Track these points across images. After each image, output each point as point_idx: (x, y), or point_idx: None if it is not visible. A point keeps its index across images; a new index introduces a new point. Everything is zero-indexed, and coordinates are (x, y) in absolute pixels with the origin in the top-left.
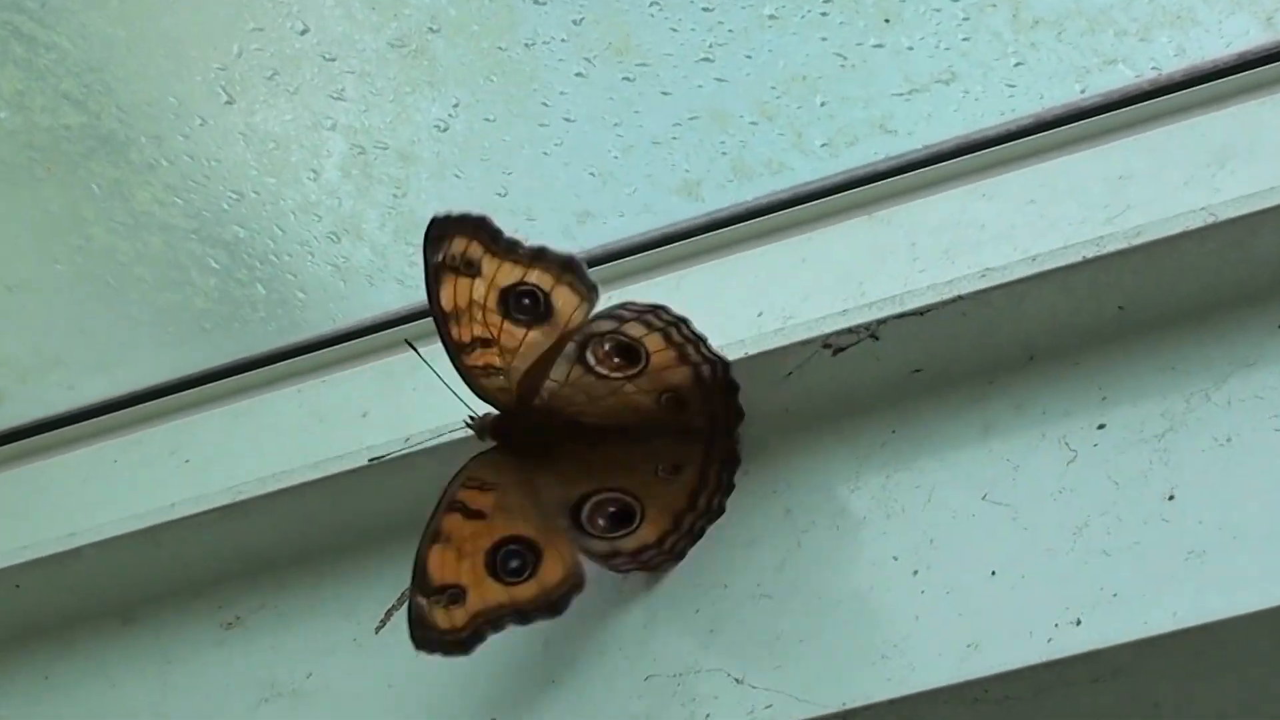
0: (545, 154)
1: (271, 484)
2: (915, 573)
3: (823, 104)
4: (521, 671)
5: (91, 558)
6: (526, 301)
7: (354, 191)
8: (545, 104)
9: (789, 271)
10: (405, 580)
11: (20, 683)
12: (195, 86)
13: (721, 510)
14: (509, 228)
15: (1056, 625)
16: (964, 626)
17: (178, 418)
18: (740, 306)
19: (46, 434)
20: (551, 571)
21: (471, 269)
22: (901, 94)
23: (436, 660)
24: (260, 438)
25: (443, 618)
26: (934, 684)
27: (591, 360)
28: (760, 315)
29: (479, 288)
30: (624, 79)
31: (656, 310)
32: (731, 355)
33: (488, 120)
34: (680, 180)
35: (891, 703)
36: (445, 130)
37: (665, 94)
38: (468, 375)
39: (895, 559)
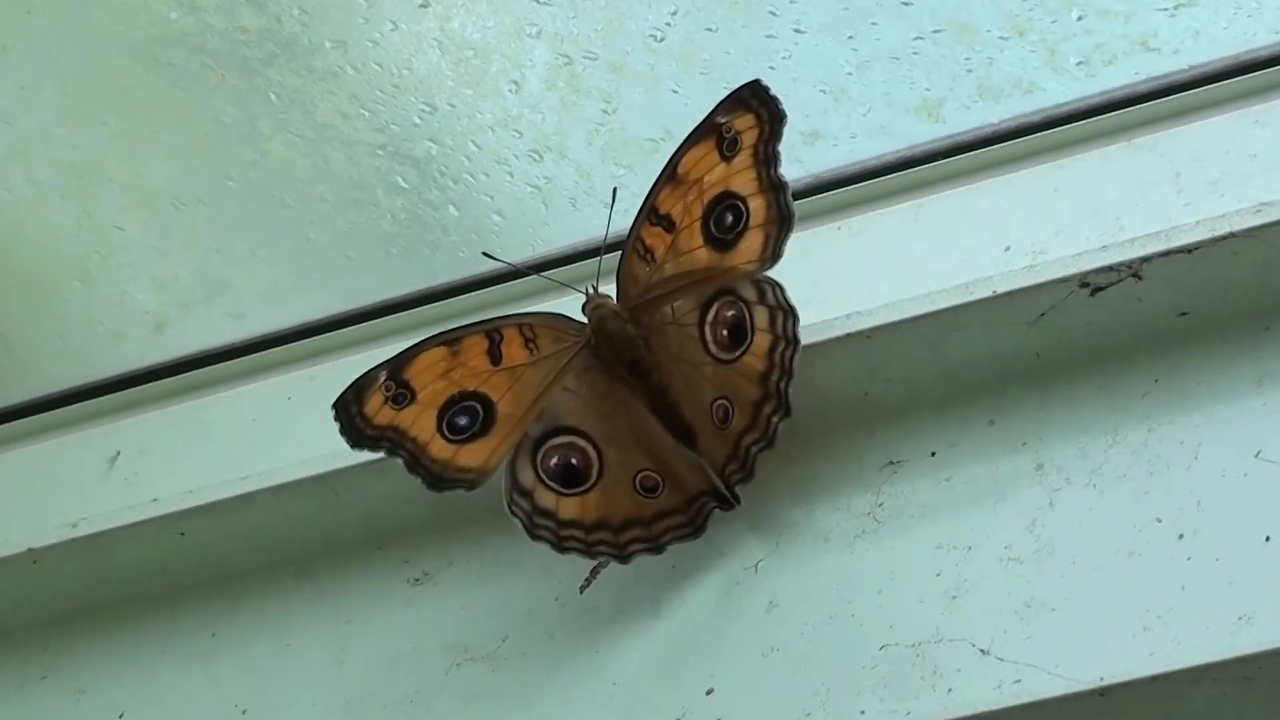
0: (772, 68)
1: None
2: (1181, 537)
3: (1079, 18)
4: (741, 637)
5: (264, 505)
6: (729, 219)
7: (559, 106)
8: (773, 13)
9: (1039, 202)
10: None
11: (185, 639)
12: None
13: (662, 550)
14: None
15: None
16: (1235, 597)
17: (359, 351)
18: (985, 240)
19: (212, 366)
20: (473, 455)
21: (730, 152)
22: (1166, 9)
23: (648, 624)
24: None
25: (374, 405)
26: (1201, 659)
27: (711, 316)
28: (1007, 250)
29: (716, 173)
30: None
31: (788, 315)
32: (977, 294)
33: (709, 30)
34: (920, 100)
35: (1153, 680)
36: (661, 40)
37: (905, 4)
38: (629, 244)
39: (1159, 521)
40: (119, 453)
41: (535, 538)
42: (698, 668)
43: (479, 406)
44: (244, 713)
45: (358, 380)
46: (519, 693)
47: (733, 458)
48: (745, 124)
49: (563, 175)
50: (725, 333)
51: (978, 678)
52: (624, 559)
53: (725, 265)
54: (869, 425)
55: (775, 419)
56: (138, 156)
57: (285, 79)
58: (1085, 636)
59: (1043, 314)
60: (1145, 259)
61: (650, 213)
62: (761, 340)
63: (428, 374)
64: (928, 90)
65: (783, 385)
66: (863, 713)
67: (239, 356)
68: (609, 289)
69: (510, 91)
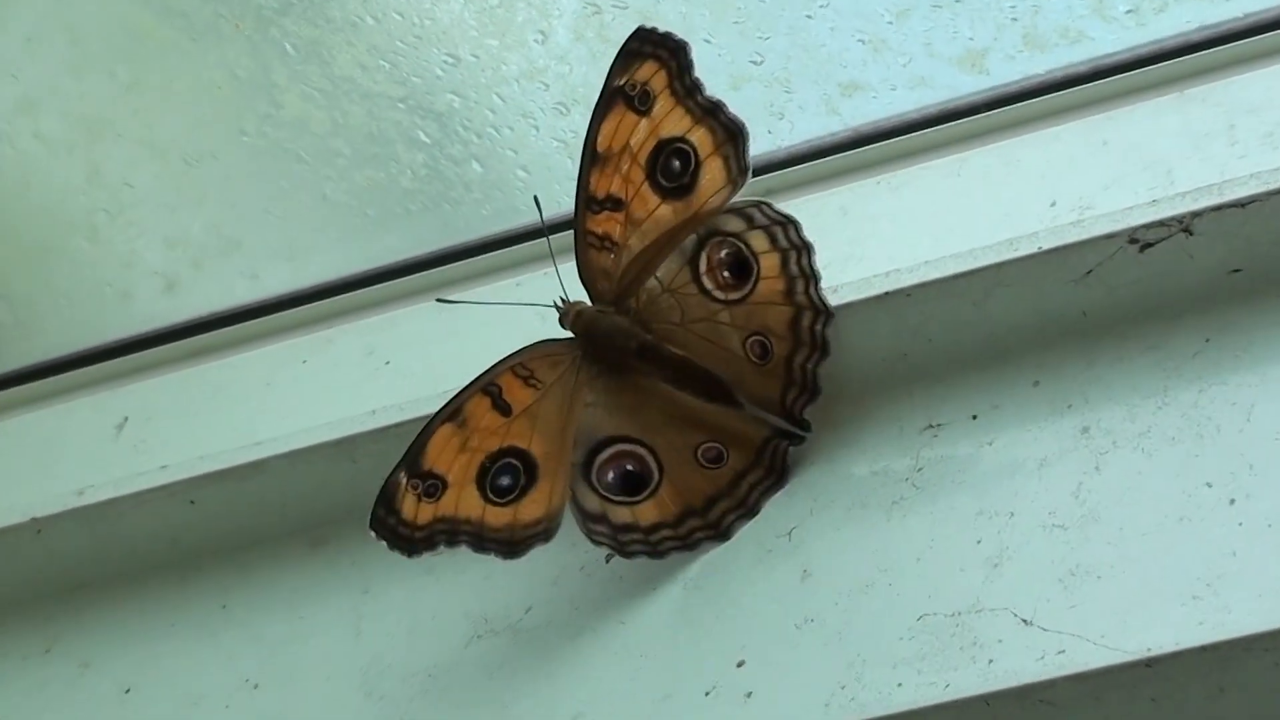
0: (808, 17)
1: None
2: (1232, 502)
3: None
4: (774, 607)
5: (278, 471)
6: (676, 165)
7: (587, 57)
8: None
9: (1087, 155)
10: None
11: (194, 612)
12: None
13: (756, 511)
14: (764, 101)
15: None
16: None
17: (377, 313)
18: (1030, 194)
19: (225, 328)
20: (532, 508)
21: (644, 105)
22: None
23: (676, 594)
24: (470, 338)
25: (409, 508)
26: (1252, 629)
27: (703, 266)
28: (1054, 205)
29: (640, 131)
30: None
31: (786, 226)
32: (1022, 250)
33: None
34: (963, 49)
35: (1203, 650)
36: None
37: None
38: (581, 242)
39: (1209, 486)
40: (127, 418)
41: (629, 555)
42: (728, 639)
43: (514, 461)
44: (255, 687)
45: (380, 493)
46: (542, 665)
47: (790, 385)
48: (647, 72)
49: None
50: (726, 273)
51: (1020, 648)
52: (724, 536)
53: (693, 210)
54: (908, 387)
55: (819, 327)
56: (148, 110)
57: (302, 29)
58: (1132, 605)
59: (1090, 271)
60: (1197, 214)
61: (588, 203)
62: (770, 262)
63: (446, 454)
64: (971, 40)
65: (813, 292)
66: (900, 685)
67: (252, 318)
68: None
69: (536, 42)
